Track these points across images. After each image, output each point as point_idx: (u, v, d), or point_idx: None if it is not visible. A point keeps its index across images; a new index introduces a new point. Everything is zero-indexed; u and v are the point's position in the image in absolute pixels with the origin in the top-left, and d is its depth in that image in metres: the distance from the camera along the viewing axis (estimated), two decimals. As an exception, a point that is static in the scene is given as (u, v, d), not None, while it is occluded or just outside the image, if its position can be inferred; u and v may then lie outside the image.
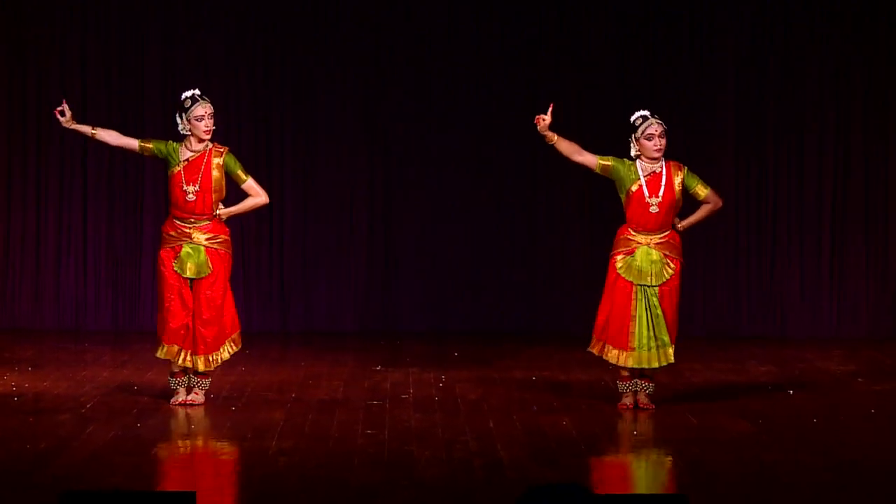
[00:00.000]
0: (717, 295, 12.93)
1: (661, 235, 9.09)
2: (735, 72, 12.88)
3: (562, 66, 12.91)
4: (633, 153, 9.10)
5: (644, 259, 9.04)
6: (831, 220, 12.93)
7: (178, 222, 9.10)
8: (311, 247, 13.02)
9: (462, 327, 12.90)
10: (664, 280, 9.04)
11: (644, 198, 9.01)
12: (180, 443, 8.31)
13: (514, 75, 12.95)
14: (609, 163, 9.13)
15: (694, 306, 12.55)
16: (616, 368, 9.20)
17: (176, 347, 9.06)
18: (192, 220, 9.08)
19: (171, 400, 9.15)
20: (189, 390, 9.15)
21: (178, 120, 9.09)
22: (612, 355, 9.05)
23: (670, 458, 8.07)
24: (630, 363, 9.03)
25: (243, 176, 9.16)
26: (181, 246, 9.08)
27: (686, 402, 9.37)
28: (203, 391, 9.21)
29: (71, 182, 12.86)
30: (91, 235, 12.90)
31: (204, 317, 9.08)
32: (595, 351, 9.15)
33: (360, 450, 7.92)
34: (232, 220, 9.36)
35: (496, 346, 12.05)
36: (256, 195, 9.23)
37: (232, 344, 9.19)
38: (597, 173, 9.24)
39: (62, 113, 9.13)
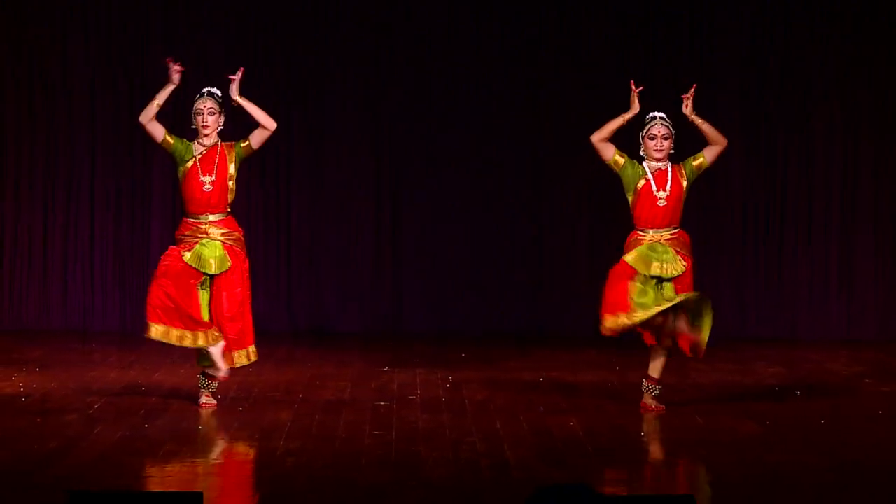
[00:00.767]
0: (724, 296, 12.92)
1: (670, 231, 9.14)
2: (739, 72, 12.87)
3: (562, 66, 12.92)
4: (641, 151, 9.19)
5: (655, 251, 9.04)
6: (839, 221, 12.92)
7: (191, 220, 9.14)
8: (317, 247, 13.04)
9: (469, 328, 12.90)
10: (675, 275, 9.04)
11: (652, 192, 9.09)
12: (188, 444, 8.31)
13: (516, 75, 12.96)
14: (622, 161, 9.18)
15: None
16: (640, 368, 9.20)
17: (163, 327, 9.03)
18: (207, 215, 9.12)
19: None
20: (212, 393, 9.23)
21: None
22: (610, 320, 8.97)
23: (677, 458, 8.07)
24: (628, 321, 8.90)
25: (245, 142, 9.20)
26: (196, 243, 9.11)
27: (693, 403, 9.37)
28: (211, 392, 9.24)
29: (79, 183, 12.88)
30: (98, 237, 12.92)
31: (227, 314, 9.10)
32: (608, 325, 9.00)
33: (367, 450, 7.92)
34: (238, 204, 9.32)
35: (503, 347, 12.06)
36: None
37: (250, 353, 9.22)
38: (605, 163, 9.23)
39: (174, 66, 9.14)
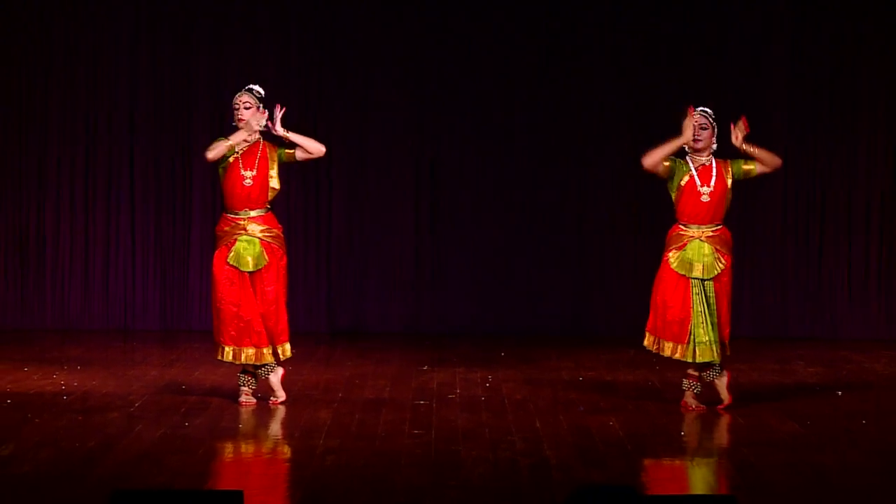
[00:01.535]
0: (765, 295, 12.87)
1: (713, 228, 9.14)
2: (787, 72, 12.80)
3: (606, 67, 12.87)
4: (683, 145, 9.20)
5: (696, 252, 9.09)
6: (880, 220, 12.84)
7: (231, 216, 9.19)
8: (358, 247, 13.04)
9: (509, 327, 12.89)
10: (715, 274, 9.06)
11: (696, 187, 9.09)
12: (228, 442, 8.34)
13: (557, 75, 12.91)
14: (668, 163, 9.17)
15: (742, 307, 12.48)
16: (679, 367, 9.21)
17: (234, 348, 9.11)
18: (247, 210, 9.15)
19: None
20: (252, 391, 9.26)
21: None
22: (668, 348, 9.08)
23: (719, 459, 8.04)
24: (687, 357, 9.05)
25: (290, 150, 9.25)
26: (235, 240, 9.14)
27: (734, 402, 9.32)
28: (251, 391, 9.27)
29: (119, 182, 12.93)
30: (139, 235, 12.96)
31: (261, 310, 9.14)
32: (649, 346, 9.16)
33: (406, 450, 7.92)
34: (278, 203, 9.35)
35: (543, 347, 12.04)
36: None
37: (285, 350, 9.26)
38: (653, 173, 9.25)
39: (271, 118, 9.19)
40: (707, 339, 9.04)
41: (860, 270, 12.87)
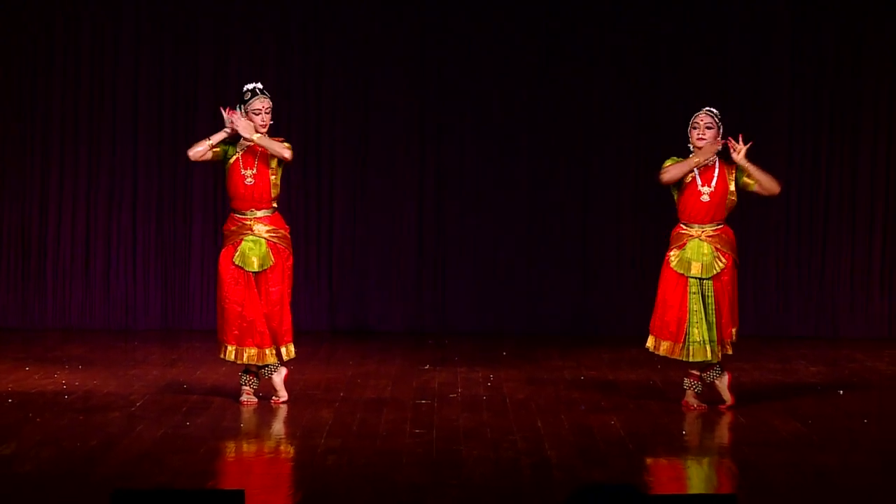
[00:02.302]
0: (767, 295, 12.87)
1: (714, 227, 9.13)
2: (790, 67, 12.79)
3: (612, 68, 12.87)
4: (689, 144, 9.19)
5: (695, 252, 9.08)
6: (883, 219, 12.84)
7: (237, 216, 9.20)
8: (359, 246, 13.04)
9: (510, 327, 12.89)
10: (714, 273, 9.05)
11: (696, 186, 9.10)
12: (229, 441, 8.34)
13: (559, 77, 12.91)
14: (669, 163, 9.16)
15: (744, 306, 12.44)
16: (681, 367, 9.22)
17: (236, 348, 9.12)
18: (253, 210, 9.15)
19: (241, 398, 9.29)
20: (255, 390, 9.26)
21: (238, 111, 9.20)
22: (664, 347, 9.08)
23: (720, 458, 8.03)
24: (682, 356, 9.05)
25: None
26: (242, 240, 9.15)
27: (736, 401, 9.32)
28: (252, 390, 9.28)
29: (121, 182, 12.93)
30: (140, 234, 12.96)
31: (264, 310, 9.14)
32: (650, 346, 9.17)
33: (408, 449, 7.92)
34: (280, 202, 9.35)
35: (544, 346, 12.04)
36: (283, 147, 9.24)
37: (288, 350, 9.27)
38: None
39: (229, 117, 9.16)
40: (701, 338, 9.03)
41: (862, 270, 12.87)
